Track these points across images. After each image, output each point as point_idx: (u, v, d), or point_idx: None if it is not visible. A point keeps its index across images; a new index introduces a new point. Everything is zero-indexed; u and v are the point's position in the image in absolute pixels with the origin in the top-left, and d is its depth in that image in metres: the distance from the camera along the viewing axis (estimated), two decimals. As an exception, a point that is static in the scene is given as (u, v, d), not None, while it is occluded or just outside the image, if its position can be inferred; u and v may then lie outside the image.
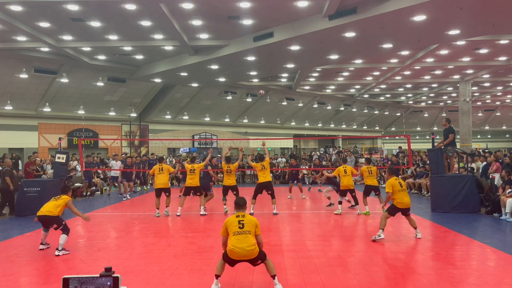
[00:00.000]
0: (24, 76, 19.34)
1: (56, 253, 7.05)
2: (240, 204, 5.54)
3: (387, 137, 44.22)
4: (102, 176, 19.13)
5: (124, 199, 15.43)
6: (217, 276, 5.18)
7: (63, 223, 7.37)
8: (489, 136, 47.08)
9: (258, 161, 11.52)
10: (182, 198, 11.65)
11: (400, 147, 25.02)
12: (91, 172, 17.07)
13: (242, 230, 5.13)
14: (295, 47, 16.65)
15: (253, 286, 5.36)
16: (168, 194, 11.44)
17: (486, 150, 17.97)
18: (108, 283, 2.23)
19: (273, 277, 5.18)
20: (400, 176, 18.25)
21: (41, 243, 7.53)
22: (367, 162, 12.51)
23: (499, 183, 11.70)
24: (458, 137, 23.77)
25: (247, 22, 14.78)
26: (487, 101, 37.39)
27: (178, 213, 11.23)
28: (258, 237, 5.29)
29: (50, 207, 7.40)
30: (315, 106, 35.33)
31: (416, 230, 8.09)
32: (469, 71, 24.75)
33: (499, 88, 31.22)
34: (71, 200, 7.72)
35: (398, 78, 26.98)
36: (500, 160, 13.17)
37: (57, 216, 7.34)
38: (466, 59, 22.00)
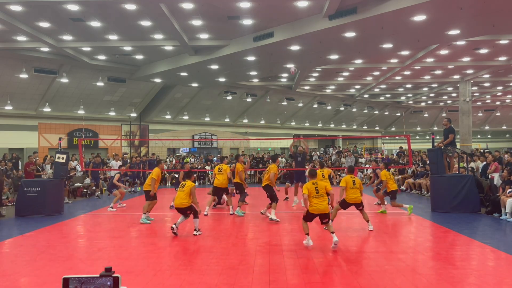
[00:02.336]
0: (24, 76, 19.33)
1: (194, 233, 8.52)
2: (313, 174, 7.78)
3: (387, 137, 44.22)
4: (102, 176, 19.14)
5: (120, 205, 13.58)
6: (308, 234, 7.43)
7: (194, 209, 8.53)
8: (489, 136, 47.07)
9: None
10: (211, 198, 12.04)
11: (400, 147, 25.05)
12: (97, 172, 16.69)
13: (318, 195, 7.37)
14: (295, 47, 16.65)
15: (252, 286, 5.36)
16: (147, 198, 10.48)
17: (486, 150, 17.99)
18: (108, 283, 2.22)
19: (332, 233, 7.34)
20: (400, 176, 18.31)
21: (175, 224, 8.53)
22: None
23: (499, 183, 11.71)
24: (458, 137, 23.76)
25: (247, 22, 14.77)
26: (487, 101, 37.37)
27: (206, 213, 11.31)
28: (329, 192, 7.48)
29: (181, 199, 8.48)
30: (315, 106, 35.33)
31: (369, 223, 8.99)
32: (469, 71, 24.74)
33: (499, 88, 31.21)
34: (195, 187, 8.63)
35: (398, 78, 26.97)
36: (499, 158, 13.20)
37: (190, 205, 8.50)
38: (466, 59, 21.99)
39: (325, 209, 7.34)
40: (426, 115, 42.93)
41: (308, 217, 7.48)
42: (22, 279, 5.87)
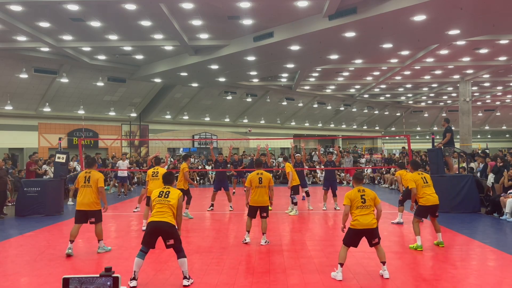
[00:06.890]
0: (24, 76, 19.32)
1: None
2: (359, 179, 5.94)
3: (387, 137, 44.23)
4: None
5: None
6: (341, 265, 5.58)
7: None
8: (489, 136, 47.08)
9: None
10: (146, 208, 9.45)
11: (403, 148, 25.05)
12: (128, 173, 15.14)
13: (365, 205, 5.62)
14: (295, 47, 16.65)
15: (252, 286, 5.36)
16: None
17: (487, 150, 18.02)
18: (108, 283, 2.22)
19: (383, 263, 5.67)
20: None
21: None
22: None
23: (490, 183, 11.91)
24: (458, 137, 23.77)
25: (247, 22, 14.77)
26: (487, 101, 37.37)
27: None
28: (377, 206, 5.73)
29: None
30: (315, 106, 35.34)
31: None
32: (469, 71, 24.74)
33: (499, 88, 31.22)
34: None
35: (398, 78, 26.97)
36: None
37: None
38: (466, 59, 21.98)
39: (371, 223, 5.65)
40: (426, 115, 42.94)
41: (351, 237, 5.72)
42: (23, 279, 5.87)
